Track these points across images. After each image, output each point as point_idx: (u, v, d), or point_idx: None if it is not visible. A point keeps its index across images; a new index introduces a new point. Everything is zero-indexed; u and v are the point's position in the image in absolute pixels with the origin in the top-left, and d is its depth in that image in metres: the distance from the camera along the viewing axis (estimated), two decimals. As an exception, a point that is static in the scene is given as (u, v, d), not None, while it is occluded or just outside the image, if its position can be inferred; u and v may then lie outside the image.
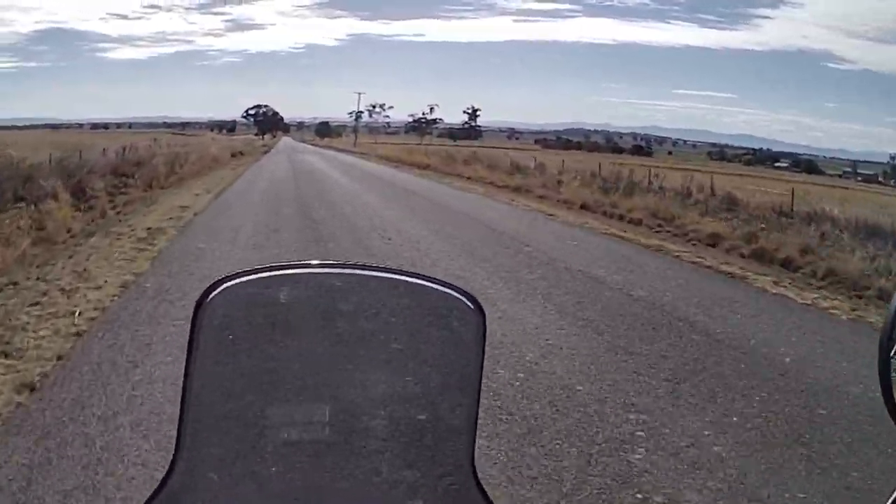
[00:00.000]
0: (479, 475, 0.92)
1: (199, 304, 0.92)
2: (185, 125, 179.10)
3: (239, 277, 0.93)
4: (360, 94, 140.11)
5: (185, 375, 0.91)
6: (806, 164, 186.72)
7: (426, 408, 0.95)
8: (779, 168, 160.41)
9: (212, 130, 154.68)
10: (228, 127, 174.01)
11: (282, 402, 0.94)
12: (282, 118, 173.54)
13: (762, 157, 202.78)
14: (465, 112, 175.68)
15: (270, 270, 0.94)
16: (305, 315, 0.95)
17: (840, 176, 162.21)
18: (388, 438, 0.94)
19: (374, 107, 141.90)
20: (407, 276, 0.95)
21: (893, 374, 1.04)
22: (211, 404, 0.92)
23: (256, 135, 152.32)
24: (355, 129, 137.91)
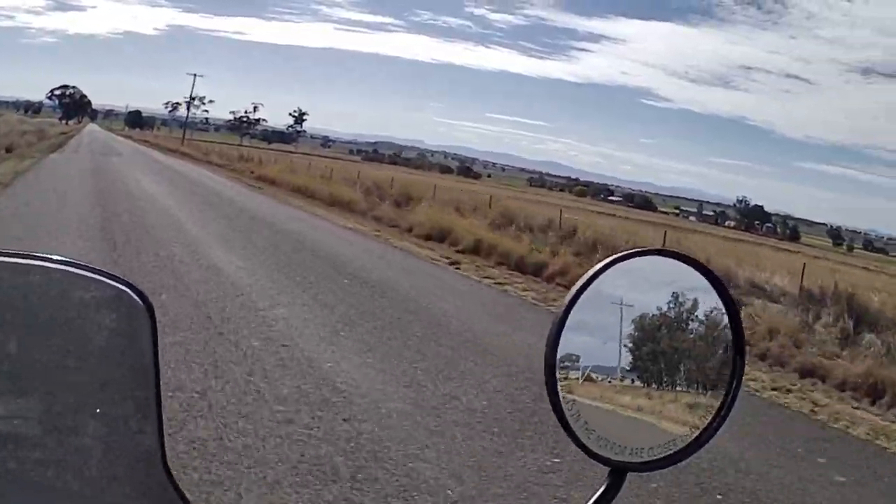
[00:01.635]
0: None
1: None
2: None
3: None
4: (195, 75, 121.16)
5: None
6: (641, 200, 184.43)
7: (110, 406, 0.89)
8: (612, 202, 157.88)
9: (18, 111, 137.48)
10: (35, 108, 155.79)
11: None
12: (89, 102, 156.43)
13: (596, 189, 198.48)
14: (290, 115, 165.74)
15: None
16: None
17: (677, 214, 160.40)
18: (90, 437, 0.87)
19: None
20: (68, 265, 0.88)
21: (562, 392, 1.01)
22: None
23: (61, 119, 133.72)
24: (184, 125, 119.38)
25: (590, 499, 1.01)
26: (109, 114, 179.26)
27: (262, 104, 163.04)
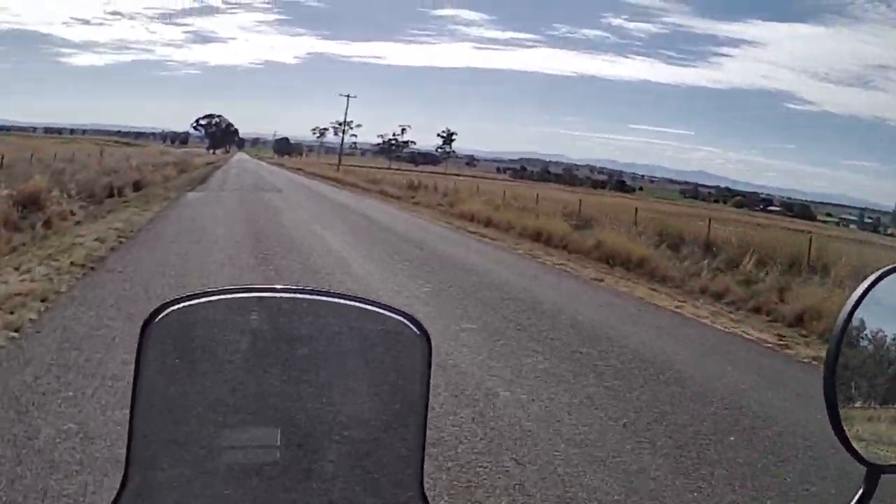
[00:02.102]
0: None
1: (146, 326, 0.86)
2: (138, 135, 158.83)
3: (186, 301, 0.88)
4: (348, 96, 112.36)
5: (133, 396, 0.86)
6: (800, 210, 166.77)
7: (375, 432, 0.91)
8: (772, 212, 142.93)
9: (164, 142, 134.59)
10: (181, 139, 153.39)
11: (233, 425, 0.89)
12: (236, 131, 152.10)
13: (752, 200, 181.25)
14: (439, 135, 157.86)
15: (217, 294, 0.89)
16: (254, 338, 0.90)
17: (837, 223, 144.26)
18: (339, 462, 0.90)
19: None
20: (355, 301, 0.91)
21: (841, 407, 1.09)
22: (160, 426, 0.87)
23: (208, 148, 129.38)
24: (340, 150, 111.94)
25: (851, 500, 1.06)
26: (256, 142, 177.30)
27: (409, 126, 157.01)
